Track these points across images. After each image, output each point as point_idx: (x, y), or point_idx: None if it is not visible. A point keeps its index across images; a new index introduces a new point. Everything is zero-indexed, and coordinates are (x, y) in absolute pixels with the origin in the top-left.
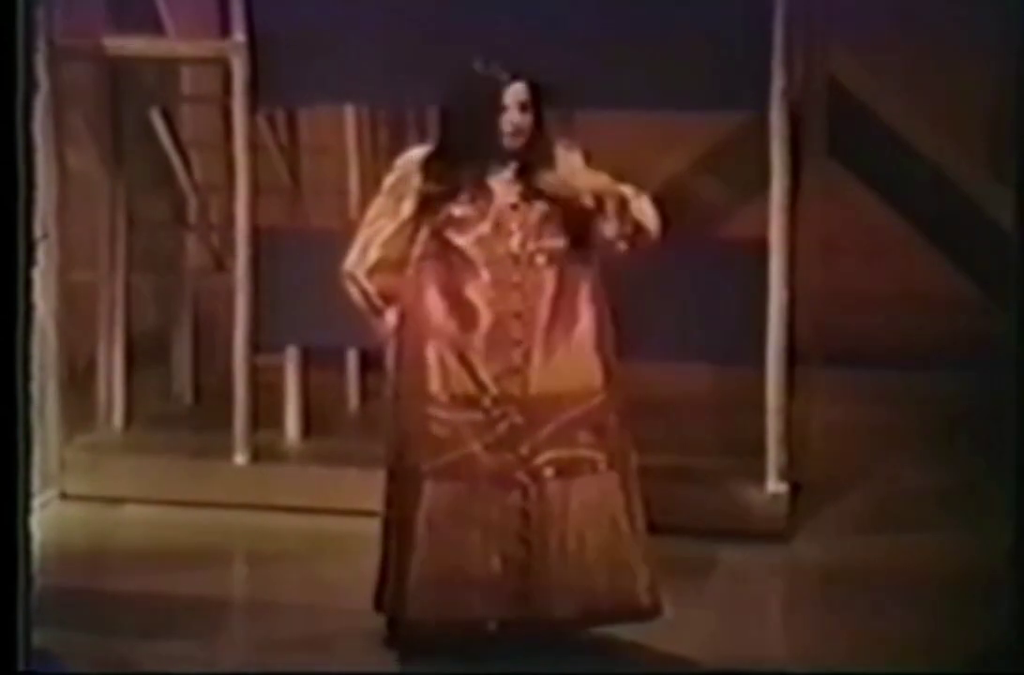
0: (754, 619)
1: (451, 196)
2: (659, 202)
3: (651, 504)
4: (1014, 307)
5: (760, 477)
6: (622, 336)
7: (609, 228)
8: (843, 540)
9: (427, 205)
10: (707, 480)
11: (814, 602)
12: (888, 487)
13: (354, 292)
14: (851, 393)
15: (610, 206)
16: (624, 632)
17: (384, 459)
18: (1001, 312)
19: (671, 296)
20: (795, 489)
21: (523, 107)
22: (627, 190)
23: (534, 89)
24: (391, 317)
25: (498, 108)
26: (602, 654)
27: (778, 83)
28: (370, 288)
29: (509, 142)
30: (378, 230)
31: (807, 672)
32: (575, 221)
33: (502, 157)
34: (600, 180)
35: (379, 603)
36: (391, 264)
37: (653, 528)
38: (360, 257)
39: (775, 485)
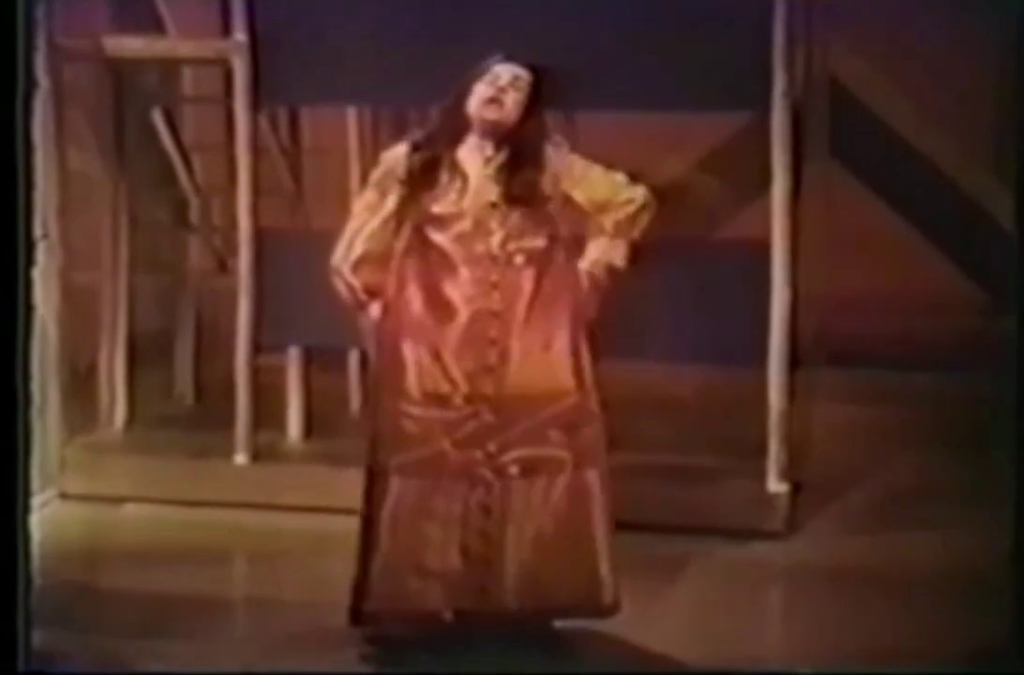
0: (754, 618)
1: (430, 185)
2: (660, 202)
3: (653, 503)
4: (1014, 307)
5: (761, 477)
6: (600, 336)
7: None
8: (843, 539)
9: (409, 199)
10: (708, 479)
11: (814, 601)
12: (888, 487)
13: (340, 287)
14: (852, 393)
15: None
16: (626, 630)
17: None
18: (1001, 312)
19: (673, 297)
20: (796, 489)
21: (514, 82)
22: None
23: (535, 75)
24: (375, 311)
25: (484, 76)
26: (596, 650)
27: (779, 84)
28: (355, 282)
29: (486, 110)
30: (363, 224)
31: (807, 671)
32: (553, 221)
33: (481, 132)
34: (601, 190)
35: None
36: (376, 258)
37: (655, 527)
38: (346, 252)
39: (776, 484)
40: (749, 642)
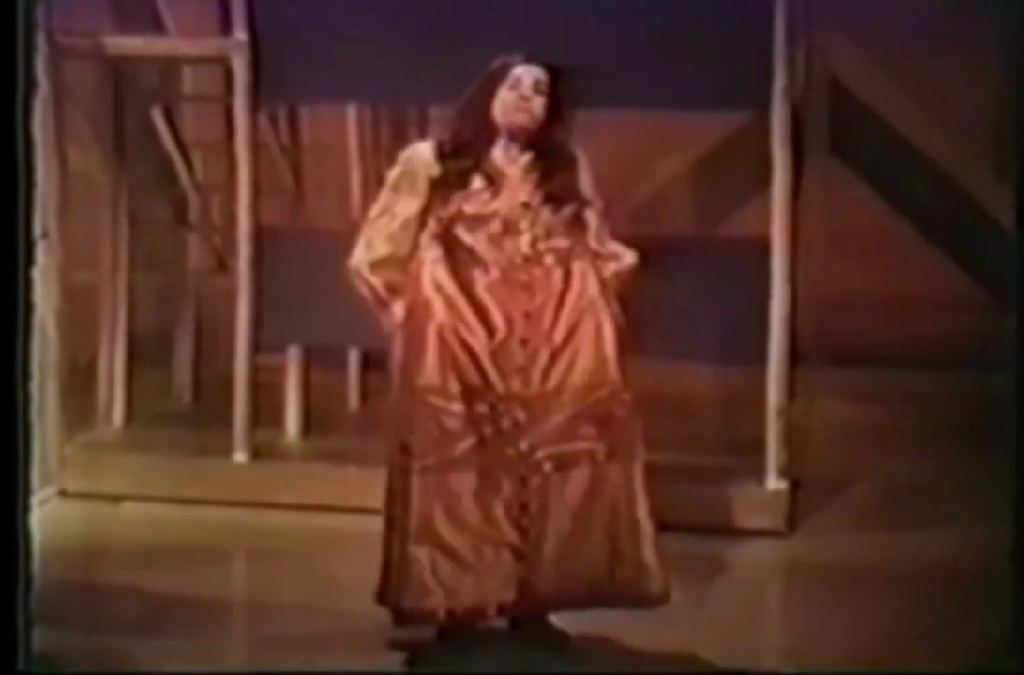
0: (753, 616)
1: (463, 187)
2: (659, 201)
3: (653, 501)
4: (1014, 307)
5: (760, 474)
6: (629, 332)
7: None
8: (842, 537)
9: (436, 199)
10: (708, 477)
11: (813, 599)
12: (887, 485)
13: (361, 287)
14: (851, 392)
15: None
16: (622, 629)
17: (387, 454)
18: (1002, 312)
19: (673, 295)
20: (795, 487)
21: (536, 86)
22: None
23: (553, 75)
24: (398, 310)
25: (505, 80)
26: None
27: (779, 82)
28: (376, 282)
29: (515, 117)
30: (382, 226)
31: (806, 671)
32: (577, 219)
33: (509, 136)
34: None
35: (383, 597)
36: (396, 259)
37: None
38: (364, 252)
39: (775, 482)
40: (748, 640)
